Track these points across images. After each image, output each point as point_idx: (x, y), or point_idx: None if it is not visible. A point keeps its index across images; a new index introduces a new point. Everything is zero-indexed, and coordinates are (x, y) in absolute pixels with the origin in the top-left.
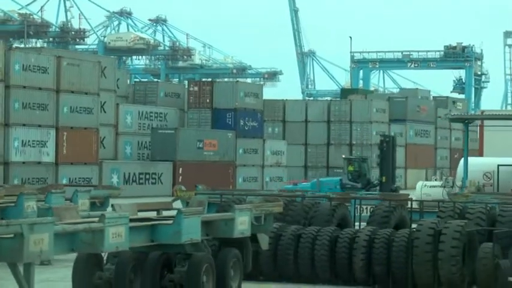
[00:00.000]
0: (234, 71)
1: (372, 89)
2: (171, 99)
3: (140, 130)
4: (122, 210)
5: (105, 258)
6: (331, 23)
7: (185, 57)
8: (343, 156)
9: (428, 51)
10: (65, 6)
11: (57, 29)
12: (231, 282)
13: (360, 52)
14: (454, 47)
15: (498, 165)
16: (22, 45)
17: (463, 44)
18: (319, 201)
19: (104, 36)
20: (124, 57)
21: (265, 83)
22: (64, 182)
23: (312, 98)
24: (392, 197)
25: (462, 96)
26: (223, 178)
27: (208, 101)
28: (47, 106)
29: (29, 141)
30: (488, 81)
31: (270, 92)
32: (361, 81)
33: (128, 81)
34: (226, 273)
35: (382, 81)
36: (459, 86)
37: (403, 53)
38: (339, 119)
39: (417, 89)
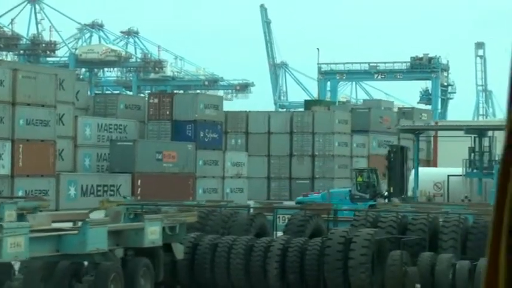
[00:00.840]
0: (206, 82)
1: (343, 100)
2: (131, 111)
3: (99, 142)
4: (34, 221)
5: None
6: (302, 34)
7: (157, 69)
8: (352, 167)
9: (395, 62)
10: (36, 18)
11: (27, 42)
12: None
13: (327, 64)
14: (421, 58)
15: (448, 176)
16: None
17: (429, 55)
18: (239, 211)
19: (75, 49)
20: (96, 70)
21: (236, 95)
22: (20, 194)
23: (284, 110)
24: (316, 206)
25: (429, 107)
26: (183, 190)
27: (168, 113)
28: (2, 119)
29: None
30: (455, 92)
31: (241, 104)
32: (328, 93)
33: (88, 93)
34: (136, 282)
35: (355, 92)
36: (426, 96)
37: (370, 64)
38: (301, 130)
39: (380, 100)
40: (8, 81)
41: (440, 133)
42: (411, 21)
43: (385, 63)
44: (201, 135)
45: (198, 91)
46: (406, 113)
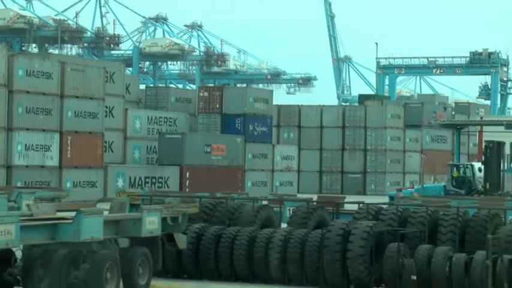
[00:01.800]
0: (269, 76)
1: (407, 94)
2: (182, 104)
3: (149, 135)
4: (38, 210)
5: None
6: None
7: (219, 62)
8: (449, 162)
9: (454, 57)
10: (101, 12)
11: (92, 35)
12: (138, 279)
13: (386, 58)
14: (480, 53)
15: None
16: (57, 51)
17: (489, 50)
18: (246, 203)
19: (139, 42)
20: (159, 63)
21: (299, 89)
22: (68, 185)
23: (348, 104)
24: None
25: (488, 102)
26: (231, 182)
27: (218, 106)
28: (50, 111)
29: (32, 145)
30: None
31: (304, 98)
32: (387, 87)
33: (152, 85)
34: (134, 270)
35: (419, 87)
36: (485, 91)
37: (429, 59)
38: (353, 125)
39: (435, 94)
40: (57, 74)
41: (485, 128)
42: (471, 16)
43: (444, 57)
44: (250, 128)
45: (261, 85)
46: (462, 107)
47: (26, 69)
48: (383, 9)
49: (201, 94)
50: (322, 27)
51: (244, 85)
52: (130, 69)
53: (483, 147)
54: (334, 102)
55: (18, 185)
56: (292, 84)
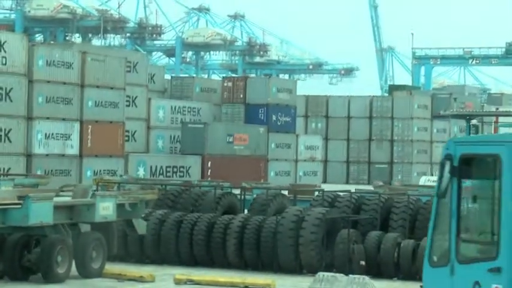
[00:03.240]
0: (311, 66)
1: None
2: (207, 94)
3: (173, 124)
4: None
5: None
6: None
7: (261, 52)
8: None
9: (490, 47)
10: (144, 2)
11: (134, 25)
12: (91, 263)
13: (422, 48)
14: None
15: None
16: (100, 41)
17: None
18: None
19: (182, 32)
20: (202, 53)
21: (341, 79)
22: (88, 173)
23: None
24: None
25: None
26: (254, 172)
27: (241, 96)
28: (71, 100)
29: (52, 134)
30: None
31: (346, 88)
32: (423, 78)
33: (194, 75)
34: (86, 255)
35: (463, 78)
36: None
37: (465, 49)
38: (380, 115)
39: (464, 85)
40: (77, 64)
41: (501, 119)
42: (507, 6)
43: (480, 48)
44: (274, 118)
45: (303, 75)
46: (495, 98)
47: (46, 59)
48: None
49: (225, 84)
50: (366, 17)
51: (287, 75)
52: (173, 59)
53: None
54: (378, 92)
55: (38, 173)
56: (335, 75)
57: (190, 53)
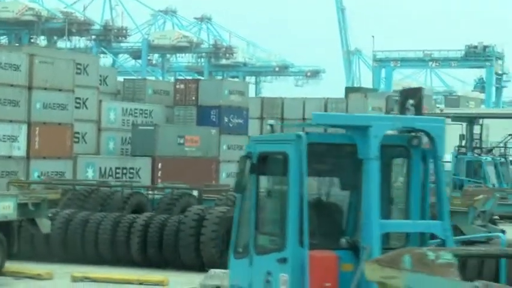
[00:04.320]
0: (277, 69)
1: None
2: (159, 96)
3: (124, 126)
4: None
5: None
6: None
7: (227, 55)
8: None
9: (450, 50)
10: (111, 4)
11: (100, 27)
12: None
13: (382, 51)
14: (475, 47)
15: None
16: (64, 44)
17: (484, 44)
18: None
19: (148, 34)
20: (168, 55)
21: (307, 81)
22: (36, 175)
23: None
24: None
25: (483, 95)
26: (205, 173)
27: (193, 98)
28: (18, 102)
29: None
30: (510, 81)
31: (312, 90)
32: (383, 80)
33: (161, 78)
34: None
35: (430, 81)
36: (480, 84)
37: (425, 52)
38: None
39: (420, 87)
40: (25, 66)
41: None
42: (467, 9)
43: (439, 51)
44: (226, 120)
45: (269, 77)
46: (452, 100)
47: None
48: (378, 3)
49: (178, 86)
50: (333, 20)
51: (253, 77)
52: (140, 61)
53: None
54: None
55: None
56: (301, 77)
57: (156, 55)
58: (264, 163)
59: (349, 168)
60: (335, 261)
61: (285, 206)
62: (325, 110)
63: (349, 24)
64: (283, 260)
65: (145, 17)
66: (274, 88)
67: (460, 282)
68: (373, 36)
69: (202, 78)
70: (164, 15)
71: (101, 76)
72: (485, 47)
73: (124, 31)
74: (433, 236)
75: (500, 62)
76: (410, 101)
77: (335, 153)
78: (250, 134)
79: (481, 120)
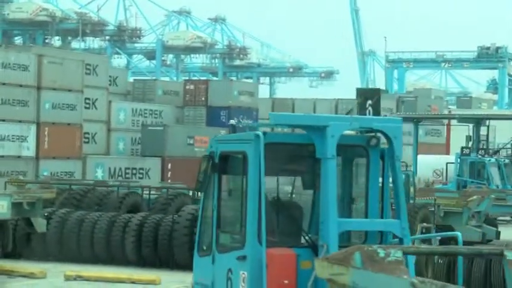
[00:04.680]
0: (291, 69)
1: (435, 88)
2: (169, 97)
3: (134, 127)
4: None
5: None
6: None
7: (241, 55)
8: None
9: (462, 51)
10: (124, 5)
11: (114, 28)
12: None
13: (395, 52)
14: (488, 48)
15: (447, 163)
16: (79, 44)
17: (496, 45)
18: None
19: (163, 35)
20: (182, 56)
21: (321, 82)
22: (46, 175)
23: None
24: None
25: (496, 96)
26: None
27: (203, 99)
28: (27, 102)
29: (8, 136)
30: None
31: (326, 91)
32: (396, 81)
33: (175, 78)
34: None
35: (445, 82)
36: (492, 86)
37: (437, 53)
38: None
39: (431, 89)
40: (34, 67)
41: (452, 122)
42: (480, 10)
43: (452, 52)
44: (235, 121)
45: (283, 78)
46: (464, 102)
47: (1, 62)
48: (401, 3)
49: (187, 87)
50: (347, 21)
51: (267, 78)
52: (154, 61)
53: None
54: None
55: None
56: (315, 78)
57: (170, 55)
58: (225, 162)
59: (309, 168)
60: (293, 258)
61: (245, 204)
62: (336, 111)
63: (363, 25)
64: (243, 258)
65: (159, 18)
66: (288, 89)
67: (398, 279)
68: (385, 37)
69: (215, 78)
70: (178, 16)
71: (111, 77)
72: (497, 48)
73: (138, 32)
74: (395, 235)
75: None
76: (369, 102)
77: (294, 152)
78: None
79: (487, 122)
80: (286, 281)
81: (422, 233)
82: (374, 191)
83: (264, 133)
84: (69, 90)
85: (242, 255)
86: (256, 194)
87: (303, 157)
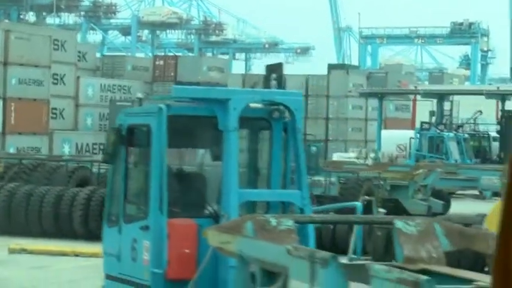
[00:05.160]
0: (266, 45)
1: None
2: (138, 72)
3: (102, 102)
4: None
5: None
6: None
7: (217, 31)
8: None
9: (435, 27)
10: None
11: (89, 4)
12: None
13: (368, 28)
14: (461, 24)
15: (410, 138)
16: (53, 20)
17: (469, 21)
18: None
19: (138, 11)
20: (158, 32)
21: (297, 58)
22: (11, 150)
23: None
24: None
25: (468, 72)
26: None
27: (172, 74)
28: None
29: None
30: (495, 58)
31: (303, 67)
32: (369, 57)
33: (150, 54)
34: None
35: (420, 57)
36: (465, 61)
37: (410, 29)
38: (316, 93)
39: (402, 64)
40: (1, 42)
41: (418, 97)
42: None
43: (425, 27)
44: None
45: (259, 54)
46: (436, 77)
47: None
48: None
49: (157, 63)
50: None
51: (243, 54)
52: (129, 37)
53: (499, 116)
54: None
55: None
56: (290, 54)
57: (146, 31)
58: (131, 135)
59: (215, 140)
60: (194, 228)
61: (149, 176)
62: (306, 87)
63: (340, 1)
64: (146, 228)
65: None
66: (264, 65)
67: (276, 246)
68: (359, 13)
69: (191, 54)
70: None
71: (80, 52)
72: (470, 24)
73: (113, 7)
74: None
75: (485, 39)
76: (273, 75)
77: (198, 125)
78: None
79: (451, 97)
80: (187, 250)
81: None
82: (277, 162)
83: (168, 106)
84: (36, 66)
85: (145, 225)
86: (159, 166)
87: (208, 129)
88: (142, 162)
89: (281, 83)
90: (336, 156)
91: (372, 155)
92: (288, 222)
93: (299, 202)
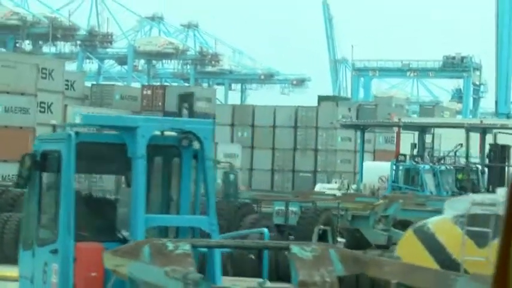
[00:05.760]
0: (262, 77)
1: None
2: (127, 101)
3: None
4: None
5: None
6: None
7: (213, 62)
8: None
9: (428, 60)
10: (97, 10)
11: (85, 33)
12: None
13: (361, 60)
14: (453, 57)
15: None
16: (49, 49)
17: (462, 55)
18: None
19: (134, 41)
20: (154, 62)
21: (293, 90)
22: None
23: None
24: None
25: (460, 105)
26: None
27: (160, 104)
28: None
29: None
30: (487, 91)
31: (298, 99)
32: (362, 89)
33: (146, 83)
34: None
35: (416, 90)
36: (457, 95)
37: (403, 62)
38: (305, 125)
39: (392, 97)
40: None
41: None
42: (445, 20)
43: (417, 61)
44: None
45: (254, 85)
46: (427, 110)
47: None
48: (357, 13)
49: (145, 92)
50: (321, 28)
51: (239, 85)
52: (126, 67)
53: (488, 150)
54: None
55: None
56: (286, 85)
57: (142, 61)
58: (45, 161)
59: (124, 166)
60: (101, 252)
61: (59, 201)
62: (296, 118)
63: (336, 33)
64: (55, 251)
65: (131, 24)
66: (260, 96)
67: (156, 269)
68: (352, 46)
69: (187, 85)
70: (151, 22)
71: (68, 81)
72: (462, 58)
73: (109, 37)
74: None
75: (477, 73)
76: (185, 104)
77: (107, 152)
78: (217, 141)
79: (432, 130)
80: (93, 274)
81: (318, 234)
82: (186, 189)
83: (77, 133)
84: (22, 94)
85: (54, 249)
86: (67, 191)
87: (117, 156)
88: (54, 187)
89: (192, 112)
90: (318, 187)
91: (354, 186)
92: (185, 246)
93: (207, 227)
